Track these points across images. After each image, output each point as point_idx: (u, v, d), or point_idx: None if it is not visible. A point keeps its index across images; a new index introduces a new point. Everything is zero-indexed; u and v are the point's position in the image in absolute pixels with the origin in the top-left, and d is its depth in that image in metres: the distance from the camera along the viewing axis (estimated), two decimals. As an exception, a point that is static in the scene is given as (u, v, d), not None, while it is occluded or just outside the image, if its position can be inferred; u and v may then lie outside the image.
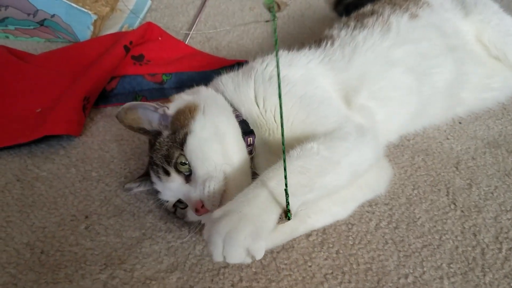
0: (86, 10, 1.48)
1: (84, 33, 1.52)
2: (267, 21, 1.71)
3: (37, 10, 1.49)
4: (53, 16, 1.49)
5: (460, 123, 1.23)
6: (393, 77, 1.06)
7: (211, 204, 0.84)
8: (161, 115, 0.93)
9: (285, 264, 0.91)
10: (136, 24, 1.63)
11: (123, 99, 1.30)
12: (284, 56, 1.06)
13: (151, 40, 1.44)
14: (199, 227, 0.94)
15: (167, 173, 0.88)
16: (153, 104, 0.92)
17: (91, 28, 1.51)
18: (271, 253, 0.93)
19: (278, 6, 1.92)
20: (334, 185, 0.85)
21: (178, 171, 0.87)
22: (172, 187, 0.89)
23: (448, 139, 1.19)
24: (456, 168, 1.11)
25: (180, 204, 0.92)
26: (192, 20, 1.70)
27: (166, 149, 0.88)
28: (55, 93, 1.25)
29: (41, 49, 1.52)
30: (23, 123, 1.19)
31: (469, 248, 0.93)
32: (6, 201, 1.04)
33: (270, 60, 1.02)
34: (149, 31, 1.45)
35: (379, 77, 1.05)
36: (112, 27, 1.59)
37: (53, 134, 1.13)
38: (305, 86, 0.97)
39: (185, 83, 1.35)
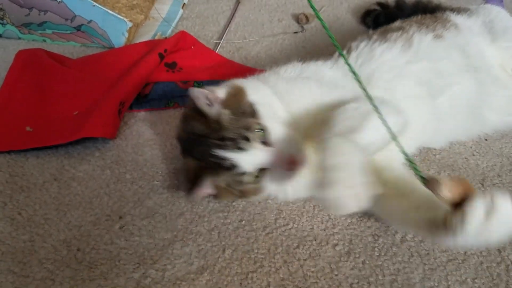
0: (122, 17, 1.53)
1: (119, 39, 1.57)
2: (295, 32, 1.74)
3: (75, 16, 1.54)
4: (90, 22, 1.55)
5: (486, 140, 1.25)
6: (402, 85, 1.08)
7: (293, 149, 0.90)
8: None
9: (312, 272, 0.93)
10: (169, 32, 1.67)
11: (156, 104, 1.35)
12: (297, 66, 1.16)
13: (184, 48, 1.49)
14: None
15: (247, 139, 0.90)
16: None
17: (126, 34, 1.56)
18: (298, 260, 0.95)
19: (307, 18, 1.96)
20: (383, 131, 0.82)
21: (256, 139, 0.91)
22: (252, 155, 0.90)
23: (474, 155, 1.20)
24: (482, 184, 1.12)
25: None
26: (222, 29, 1.74)
27: (238, 122, 0.92)
28: (92, 97, 1.30)
29: (77, 53, 1.57)
30: (61, 125, 1.24)
31: (494, 264, 0.95)
32: (44, 199, 1.08)
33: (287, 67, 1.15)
34: (182, 39, 1.49)
35: (386, 83, 1.07)
36: (146, 35, 1.64)
37: (90, 136, 1.17)
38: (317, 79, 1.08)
39: (215, 91, 1.39)
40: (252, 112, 0.93)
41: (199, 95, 0.93)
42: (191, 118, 0.97)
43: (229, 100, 0.95)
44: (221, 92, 0.97)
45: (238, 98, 0.96)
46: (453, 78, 1.12)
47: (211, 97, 0.94)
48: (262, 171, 0.93)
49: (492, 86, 1.18)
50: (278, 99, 1.00)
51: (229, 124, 0.91)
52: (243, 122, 0.91)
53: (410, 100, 1.07)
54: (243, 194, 0.98)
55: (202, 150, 0.92)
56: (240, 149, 0.90)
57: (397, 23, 1.28)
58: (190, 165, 0.97)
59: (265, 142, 0.91)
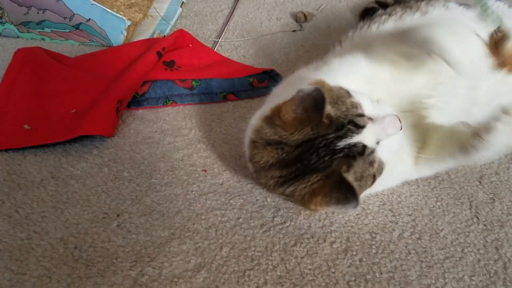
0: (120, 16, 1.53)
1: (118, 37, 1.57)
2: (293, 31, 1.74)
3: (74, 14, 1.54)
4: (88, 20, 1.55)
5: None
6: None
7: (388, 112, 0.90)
8: None
9: (309, 269, 0.93)
10: (167, 31, 1.67)
11: (154, 103, 1.35)
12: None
13: (182, 47, 1.48)
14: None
15: (361, 115, 0.88)
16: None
17: (125, 33, 1.56)
18: (295, 258, 0.95)
19: (305, 16, 1.96)
20: None
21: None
22: (371, 128, 0.88)
23: (472, 153, 1.20)
24: (480, 182, 1.12)
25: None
26: (221, 28, 1.74)
27: (342, 106, 0.89)
28: (90, 95, 1.30)
29: (75, 52, 1.57)
30: (59, 123, 1.24)
31: (491, 262, 0.95)
32: (41, 197, 1.08)
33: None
34: (180, 38, 1.49)
35: None
36: (144, 33, 1.64)
37: (88, 134, 1.17)
38: None
39: (213, 89, 1.39)
40: (347, 92, 0.90)
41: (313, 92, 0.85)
42: (296, 124, 0.87)
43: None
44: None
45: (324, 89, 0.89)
46: None
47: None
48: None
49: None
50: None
51: (337, 112, 0.87)
52: (346, 104, 0.88)
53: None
54: (375, 177, 0.90)
55: (324, 152, 0.85)
56: (361, 127, 0.86)
57: (380, 11, 1.33)
58: (319, 183, 0.87)
59: (367, 116, 0.89)
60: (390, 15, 1.23)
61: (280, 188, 0.92)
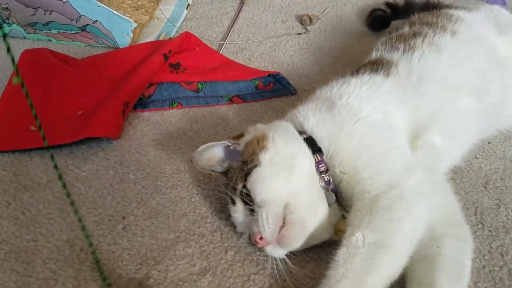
0: (127, 18, 1.54)
1: (124, 39, 1.58)
2: (298, 34, 1.74)
3: (80, 16, 1.55)
4: (95, 22, 1.56)
5: (489, 142, 1.24)
6: (458, 103, 1.03)
7: (268, 234, 0.84)
8: (233, 151, 0.98)
9: (314, 274, 0.93)
10: (173, 33, 1.68)
11: (160, 105, 1.35)
12: (363, 87, 1.01)
13: (188, 49, 1.49)
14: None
15: (234, 203, 0.91)
16: (223, 142, 0.98)
17: (131, 35, 1.57)
18: (299, 261, 0.95)
19: (310, 19, 1.97)
20: (391, 272, 0.78)
21: (245, 202, 0.89)
22: (238, 218, 0.92)
23: (477, 158, 1.20)
24: (485, 187, 1.12)
25: None
26: (226, 30, 1.75)
27: (233, 179, 0.92)
28: (96, 97, 1.31)
29: (82, 53, 1.58)
30: (65, 125, 1.25)
31: (496, 268, 0.95)
32: (47, 199, 1.09)
33: (346, 88, 1.01)
34: (186, 40, 1.50)
35: (447, 107, 1.02)
36: (150, 35, 1.65)
37: (95, 136, 1.18)
38: (383, 130, 0.94)
39: (219, 92, 1.40)
40: (247, 173, 0.89)
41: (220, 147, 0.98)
42: None
43: (245, 149, 0.95)
44: (242, 142, 0.97)
45: (250, 150, 0.93)
46: (488, 75, 1.11)
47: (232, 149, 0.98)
48: None
49: (510, 78, 1.17)
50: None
51: (230, 177, 0.94)
52: (235, 181, 0.91)
53: (467, 121, 1.05)
54: None
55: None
56: (229, 207, 0.93)
57: (406, 28, 1.26)
58: None
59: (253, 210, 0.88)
60: (417, 35, 1.15)
61: None
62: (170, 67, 1.42)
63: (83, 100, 1.31)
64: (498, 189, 1.12)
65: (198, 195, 1.10)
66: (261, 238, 0.84)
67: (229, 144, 0.97)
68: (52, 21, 1.59)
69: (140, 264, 0.95)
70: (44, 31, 1.63)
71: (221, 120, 1.33)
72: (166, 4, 1.81)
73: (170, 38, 1.65)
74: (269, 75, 1.44)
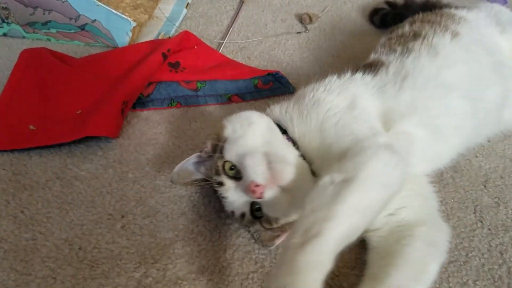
0: (126, 17, 1.54)
1: (123, 39, 1.58)
2: (298, 33, 1.74)
3: (79, 15, 1.55)
4: (94, 21, 1.55)
5: (489, 141, 1.24)
6: (448, 102, 1.03)
7: (260, 176, 0.87)
8: (204, 157, 1.01)
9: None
10: (172, 32, 1.68)
11: (159, 104, 1.35)
12: (336, 82, 1.04)
13: (187, 48, 1.49)
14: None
15: (222, 184, 0.92)
16: (195, 155, 1.01)
17: (130, 34, 1.57)
18: (299, 260, 0.95)
19: (310, 18, 1.96)
20: (365, 206, 0.75)
21: (229, 177, 0.92)
22: (231, 196, 0.93)
23: (476, 156, 1.20)
24: (484, 186, 1.12)
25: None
26: (226, 29, 1.74)
27: (214, 165, 0.94)
28: (95, 96, 1.31)
29: (80, 52, 1.58)
30: (64, 124, 1.24)
31: (495, 266, 0.94)
32: (46, 198, 1.09)
33: (320, 83, 1.04)
34: (185, 39, 1.50)
35: (433, 102, 1.01)
36: (149, 34, 1.64)
37: (94, 135, 1.18)
38: (348, 112, 0.95)
39: (218, 91, 1.40)
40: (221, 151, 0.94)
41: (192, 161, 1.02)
42: None
43: (212, 145, 1.01)
44: (208, 144, 1.03)
45: (215, 140, 1.00)
46: (485, 80, 1.09)
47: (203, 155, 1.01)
48: None
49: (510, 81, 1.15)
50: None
51: (210, 170, 0.98)
52: (216, 165, 0.94)
53: (457, 120, 1.04)
54: None
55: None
56: (221, 193, 0.95)
57: (406, 28, 1.24)
58: None
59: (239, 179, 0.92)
60: (417, 36, 1.14)
61: None
62: (169, 66, 1.42)
63: (82, 99, 1.31)
64: (498, 187, 1.12)
65: (197, 194, 1.10)
66: (256, 186, 0.86)
67: (199, 153, 1.01)
68: (51, 21, 1.59)
69: (139, 262, 0.95)
70: (43, 30, 1.63)
71: (220, 119, 1.32)
72: (165, 3, 1.80)
73: (169, 37, 1.65)
74: (268, 74, 1.44)
